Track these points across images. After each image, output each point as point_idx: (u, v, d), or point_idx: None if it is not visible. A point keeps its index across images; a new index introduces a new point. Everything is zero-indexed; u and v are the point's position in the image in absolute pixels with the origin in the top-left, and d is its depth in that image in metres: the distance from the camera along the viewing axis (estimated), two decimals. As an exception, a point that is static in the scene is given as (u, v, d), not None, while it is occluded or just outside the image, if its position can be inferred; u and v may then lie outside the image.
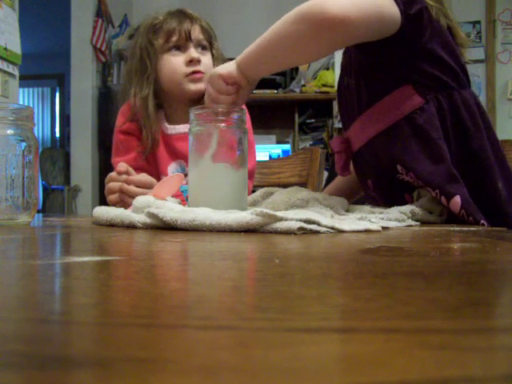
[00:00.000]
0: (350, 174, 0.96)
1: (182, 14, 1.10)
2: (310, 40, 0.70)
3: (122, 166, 0.92)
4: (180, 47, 1.08)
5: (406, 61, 0.78)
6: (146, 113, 1.07)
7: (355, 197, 1.12)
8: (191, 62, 1.06)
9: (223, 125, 0.71)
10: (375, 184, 0.88)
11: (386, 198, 0.87)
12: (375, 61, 0.81)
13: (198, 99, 1.04)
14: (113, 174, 0.92)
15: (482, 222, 0.72)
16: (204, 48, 1.10)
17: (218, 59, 1.11)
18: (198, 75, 1.06)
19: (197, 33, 1.09)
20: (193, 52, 1.07)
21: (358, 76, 0.85)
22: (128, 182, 0.90)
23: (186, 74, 1.06)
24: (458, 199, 0.72)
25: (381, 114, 0.81)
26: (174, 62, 1.07)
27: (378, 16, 0.71)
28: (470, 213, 0.72)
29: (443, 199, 0.73)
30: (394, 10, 0.72)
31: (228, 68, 0.75)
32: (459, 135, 0.77)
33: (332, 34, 0.69)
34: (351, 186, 1.08)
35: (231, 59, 0.78)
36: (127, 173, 0.91)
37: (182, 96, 1.08)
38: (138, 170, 1.09)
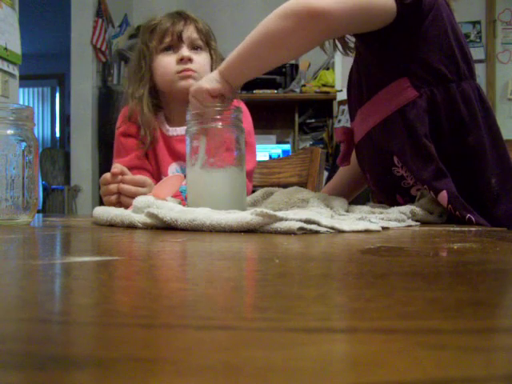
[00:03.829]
0: (348, 165, 0.96)
1: (177, 15, 1.12)
2: (295, 35, 0.71)
3: (116, 167, 0.91)
4: (173, 47, 1.10)
5: (405, 51, 0.78)
6: (142, 112, 1.09)
7: (358, 190, 1.12)
8: (182, 60, 1.07)
9: (220, 124, 0.71)
10: (372, 178, 0.89)
11: (381, 193, 0.89)
12: (375, 52, 0.81)
13: None
14: (107, 176, 0.91)
15: (469, 216, 0.71)
16: (198, 48, 1.12)
17: (217, 61, 1.12)
18: (187, 72, 1.07)
19: (189, 33, 1.10)
20: (184, 51, 1.08)
21: (360, 67, 0.86)
22: (123, 182, 0.89)
23: (176, 72, 1.07)
24: (444, 194, 0.73)
25: (377, 107, 0.82)
26: (166, 61, 1.09)
27: (364, 8, 0.72)
28: (456, 208, 0.72)
29: (432, 194, 0.75)
30: (386, 1, 0.72)
31: (213, 81, 0.76)
32: (455, 129, 0.77)
33: (315, 27, 0.70)
34: (355, 177, 1.08)
35: None
36: (122, 173, 0.91)
37: (175, 95, 1.10)
38: (140, 169, 1.09)
